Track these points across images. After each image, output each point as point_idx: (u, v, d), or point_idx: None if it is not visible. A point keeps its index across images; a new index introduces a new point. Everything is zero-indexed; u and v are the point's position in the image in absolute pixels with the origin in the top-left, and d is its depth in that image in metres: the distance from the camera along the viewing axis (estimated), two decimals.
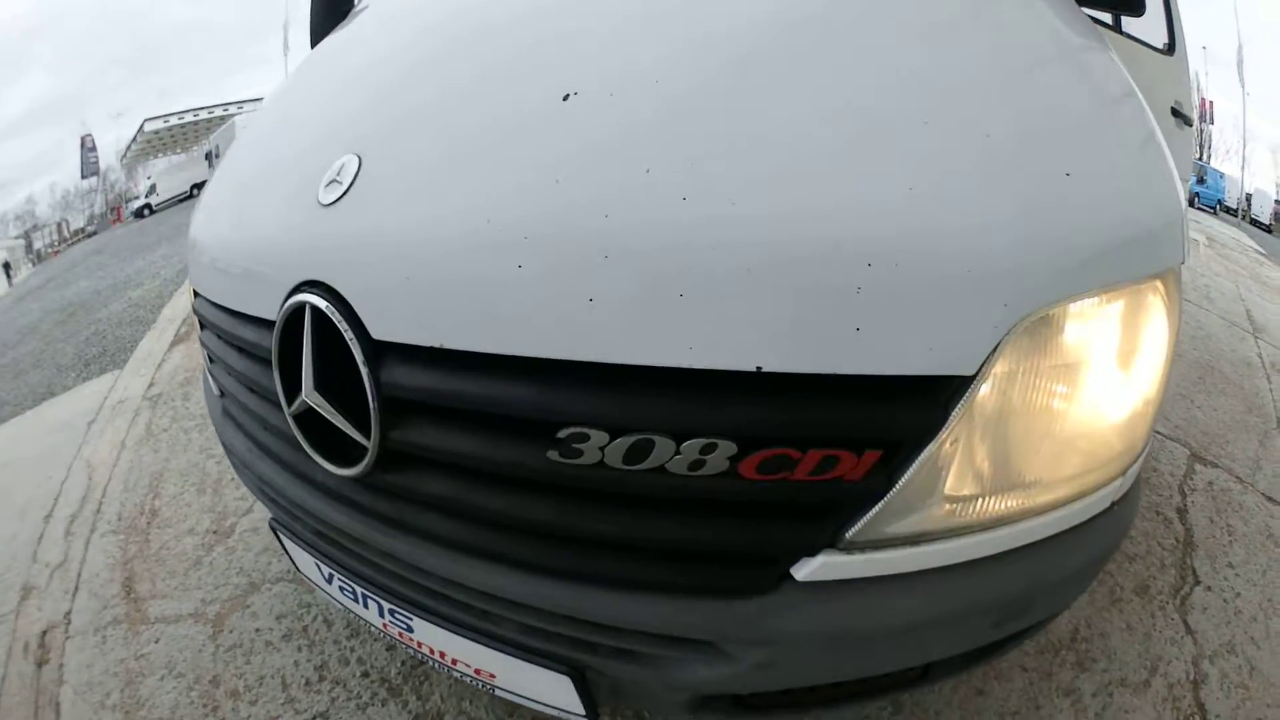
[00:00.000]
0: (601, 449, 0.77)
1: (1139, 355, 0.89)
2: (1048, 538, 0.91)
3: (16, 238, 65.35)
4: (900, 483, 0.80)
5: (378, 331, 0.86)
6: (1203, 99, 17.23)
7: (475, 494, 0.88)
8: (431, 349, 0.83)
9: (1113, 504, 0.98)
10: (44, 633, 2.26)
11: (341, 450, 0.94)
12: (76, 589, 2.42)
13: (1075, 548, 0.95)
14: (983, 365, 0.76)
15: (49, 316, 10.51)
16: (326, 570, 1.15)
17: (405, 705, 1.63)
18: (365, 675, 1.73)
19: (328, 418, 0.91)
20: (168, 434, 3.44)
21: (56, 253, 54.78)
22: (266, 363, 0.98)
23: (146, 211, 38.42)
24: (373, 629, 1.16)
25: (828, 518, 0.83)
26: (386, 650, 1.77)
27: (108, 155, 59.80)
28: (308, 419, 0.95)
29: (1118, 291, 0.83)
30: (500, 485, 0.87)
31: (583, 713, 1.00)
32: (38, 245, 64.18)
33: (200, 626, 2.02)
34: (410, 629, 1.07)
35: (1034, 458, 0.86)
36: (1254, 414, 3.30)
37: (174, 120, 53.00)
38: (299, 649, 1.84)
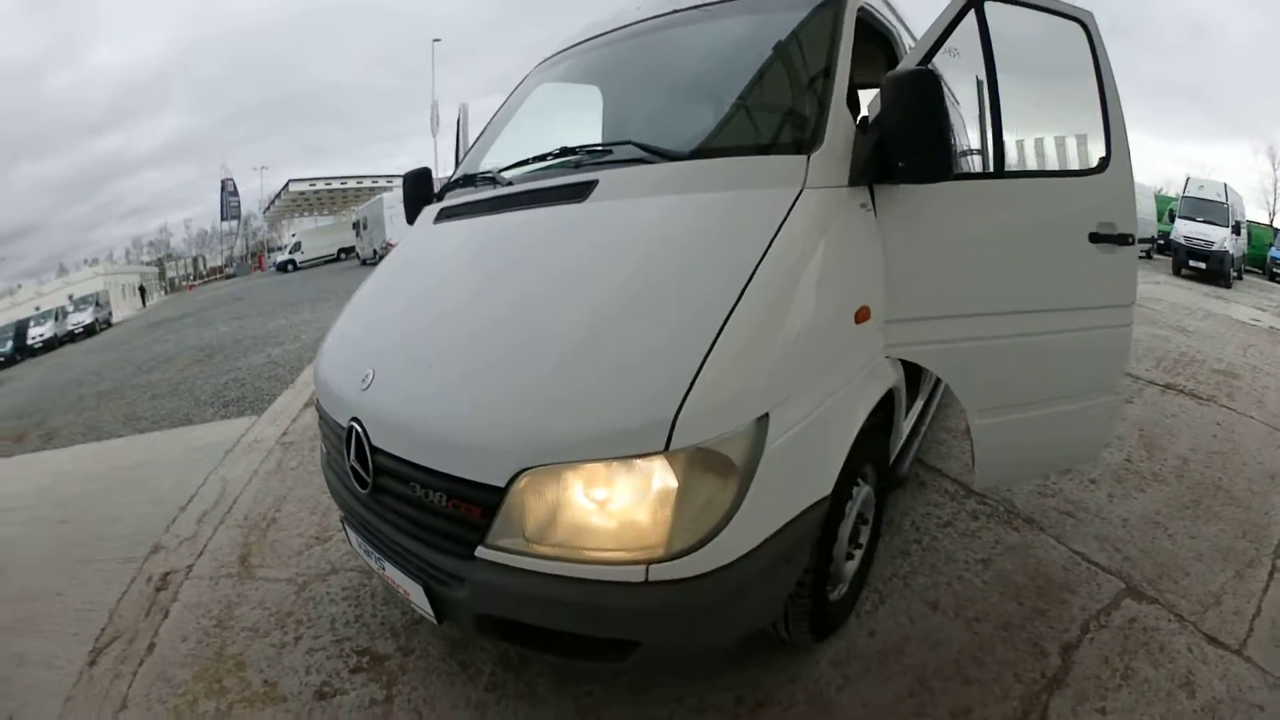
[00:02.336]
0: (421, 492, 1.90)
1: (619, 489, 1.70)
2: (591, 580, 1.73)
3: (149, 264, 71.05)
4: (495, 521, 1.76)
5: (375, 442, 2.02)
6: None
7: (399, 505, 2.01)
8: (389, 452, 1.99)
9: (647, 580, 1.70)
10: (166, 574, 3.50)
11: (362, 482, 2.11)
12: (201, 554, 3.66)
13: (615, 593, 1.72)
14: (510, 481, 1.71)
15: (186, 352, 12.30)
16: (357, 539, 2.33)
17: (392, 630, 2.78)
18: (381, 621, 2.87)
19: (358, 469, 2.10)
20: (294, 472, 4.68)
21: (191, 286, 59.37)
22: (339, 442, 2.24)
23: (290, 267, 43.18)
24: (372, 569, 2.31)
25: (476, 530, 1.79)
26: (400, 613, 2.88)
27: (248, 202, 65.25)
28: (353, 469, 2.14)
29: (600, 462, 1.69)
30: (404, 502, 1.99)
31: (431, 613, 2.03)
32: (171, 275, 69.56)
33: (290, 587, 3.22)
34: (384, 568, 2.17)
35: (556, 530, 1.74)
36: (1247, 539, 3.30)
37: (319, 185, 57.69)
38: (350, 606, 3.00)
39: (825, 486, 2.04)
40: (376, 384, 2.10)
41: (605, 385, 1.75)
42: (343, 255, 41.25)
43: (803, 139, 2.24)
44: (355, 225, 36.35)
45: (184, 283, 65.64)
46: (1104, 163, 2.77)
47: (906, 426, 3.10)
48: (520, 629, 1.87)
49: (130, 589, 3.40)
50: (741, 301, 1.79)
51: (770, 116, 2.55)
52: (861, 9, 2.64)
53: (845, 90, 2.31)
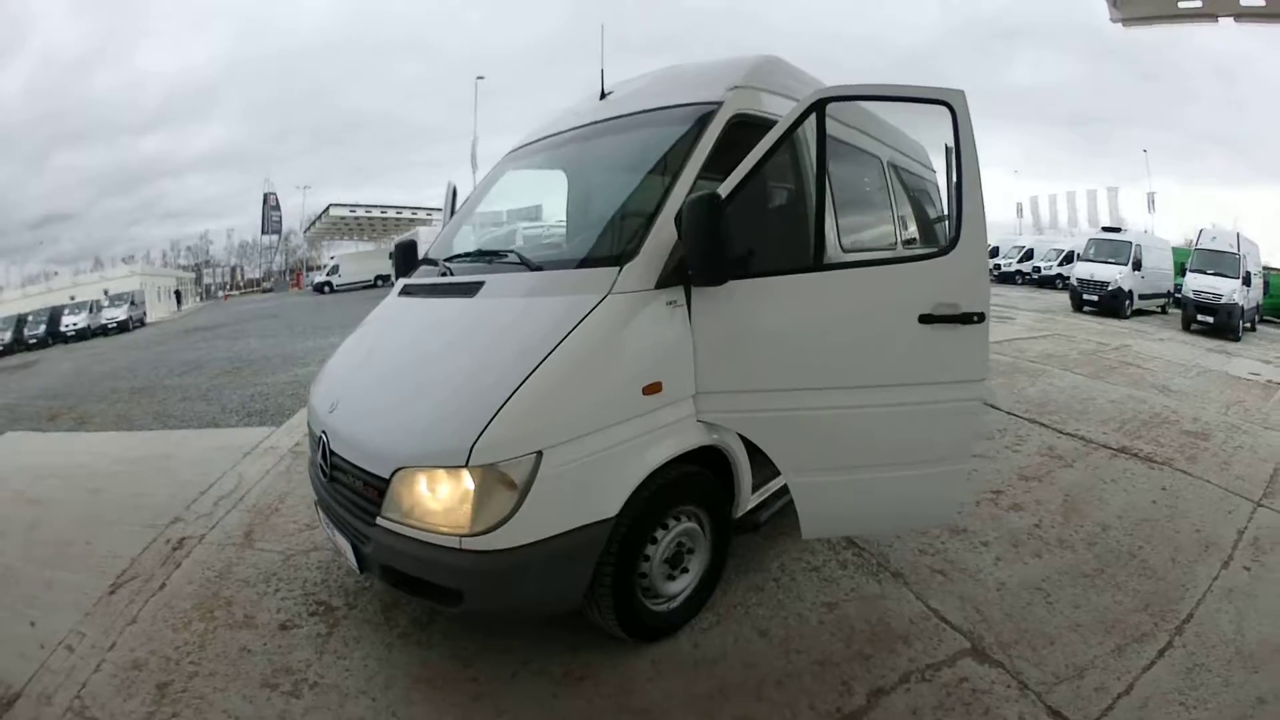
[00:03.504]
0: (352, 480, 2.89)
1: (442, 486, 2.57)
2: (431, 543, 2.57)
3: (187, 269, 72.35)
4: (384, 501, 2.68)
5: (333, 447, 3.00)
6: None
7: (342, 489, 2.96)
8: (339, 454, 2.96)
9: (460, 547, 2.51)
10: (182, 539, 4.34)
11: (325, 474, 3.07)
12: (213, 527, 4.51)
13: (443, 553, 2.55)
14: (390, 475, 2.65)
15: (217, 362, 13.34)
16: (322, 514, 3.23)
17: (345, 592, 3.52)
18: (340, 585, 3.65)
19: (323, 465, 3.08)
20: (300, 475, 5.47)
21: (227, 296, 60.70)
22: (315, 445, 3.24)
23: (326, 289, 44.96)
24: (328, 535, 3.19)
25: (376, 505, 2.71)
26: (355, 581, 3.67)
27: (290, 219, 66.11)
28: (320, 465, 3.10)
29: (436, 470, 2.59)
30: (345, 487, 2.95)
31: (355, 564, 2.91)
32: (208, 281, 70.79)
33: (279, 556, 4.05)
34: (334, 534, 3.06)
35: (414, 509, 2.62)
36: (1148, 612, 3.34)
37: (360, 211, 58.90)
38: (320, 573, 3.80)
39: (607, 511, 2.73)
40: (338, 409, 3.10)
41: (442, 420, 2.67)
42: (379, 282, 42.26)
43: (623, 252, 2.94)
44: (391, 255, 37.21)
45: (220, 291, 67.02)
46: (951, 244, 3.01)
47: (762, 484, 3.49)
48: (403, 578, 2.72)
49: (151, 546, 4.26)
50: (531, 376, 2.60)
51: (614, 230, 3.34)
52: (736, 116, 3.23)
53: (680, 201, 2.91)
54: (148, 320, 37.42)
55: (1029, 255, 33.16)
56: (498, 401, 2.55)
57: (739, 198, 2.87)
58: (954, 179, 3.02)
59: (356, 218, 58.03)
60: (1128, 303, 19.07)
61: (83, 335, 32.39)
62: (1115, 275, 19.08)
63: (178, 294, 53.84)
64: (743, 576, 3.58)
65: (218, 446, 6.55)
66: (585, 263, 3.10)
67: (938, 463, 3.17)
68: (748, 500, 3.39)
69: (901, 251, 4.11)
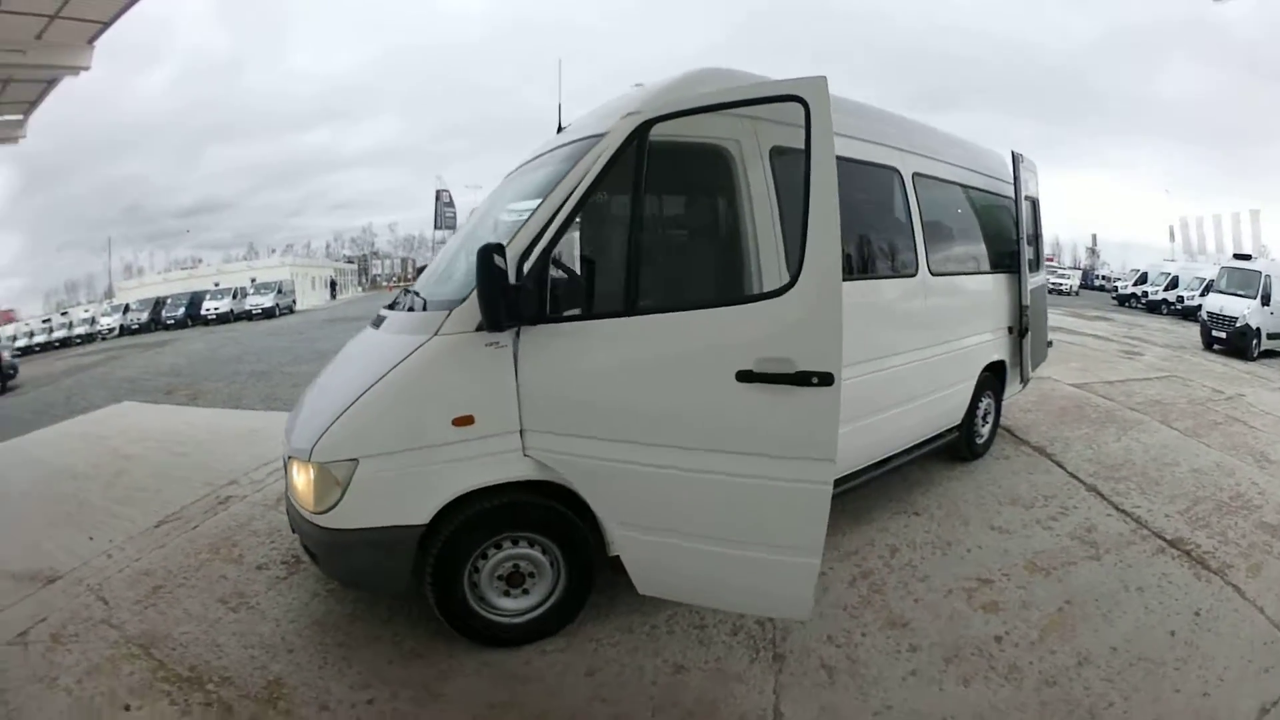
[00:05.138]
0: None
1: (299, 474, 3.20)
2: (300, 514, 3.29)
3: (349, 260, 75.85)
4: (287, 480, 3.50)
5: (288, 452, 3.40)
6: None
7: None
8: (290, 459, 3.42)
9: (312, 521, 3.19)
10: (228, 497, 5.63)
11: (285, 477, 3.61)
12: (257, 491, 5.76)
13: (304, 522, 3.27)
14: (285, 462, 3.53)
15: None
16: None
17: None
18: None
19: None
20: None
21: (390, 287, 62.83)
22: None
23: None
24: None
25: (290, 485, 3.37)
26: None
27: (461, 216, 67.81)
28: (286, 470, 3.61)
29: (296, 460, 3.23)
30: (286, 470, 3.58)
31: (293, 530, 3.69)
32: (375, 272, 73.95)
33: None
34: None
35: (295, 488, 3.27)
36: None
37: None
38: None
39: (415, 519, 3.14)
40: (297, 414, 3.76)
41: (307, 425, 3.30)
42: None
43: (460, 297, 3.18)
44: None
45: (385, 282, 70.30)
46: (789, 283, 2.69)
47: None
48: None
49: (202, 499, 5.58)
50: (358, 399, 3.13)
51: (464, 272, 3.63)
52: (633, 144, 3.03)
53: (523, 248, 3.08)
54: (296, 308, 39.88)
55: (1174, 284, 30.82)
56: (335, 416, 3.15)
57: (546, 238, 3.05)
58: (804, 196, 2.69)
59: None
60: (1255, 342, 16.52)
61: (224, 319, 35.60)
62: (1243, 310, 16.74)
63: (333, 283, 56.50)
64: (626, 614, 3.65)
65: None
66: (428, 305, 3.52)
67: (777, 550, 2.91)
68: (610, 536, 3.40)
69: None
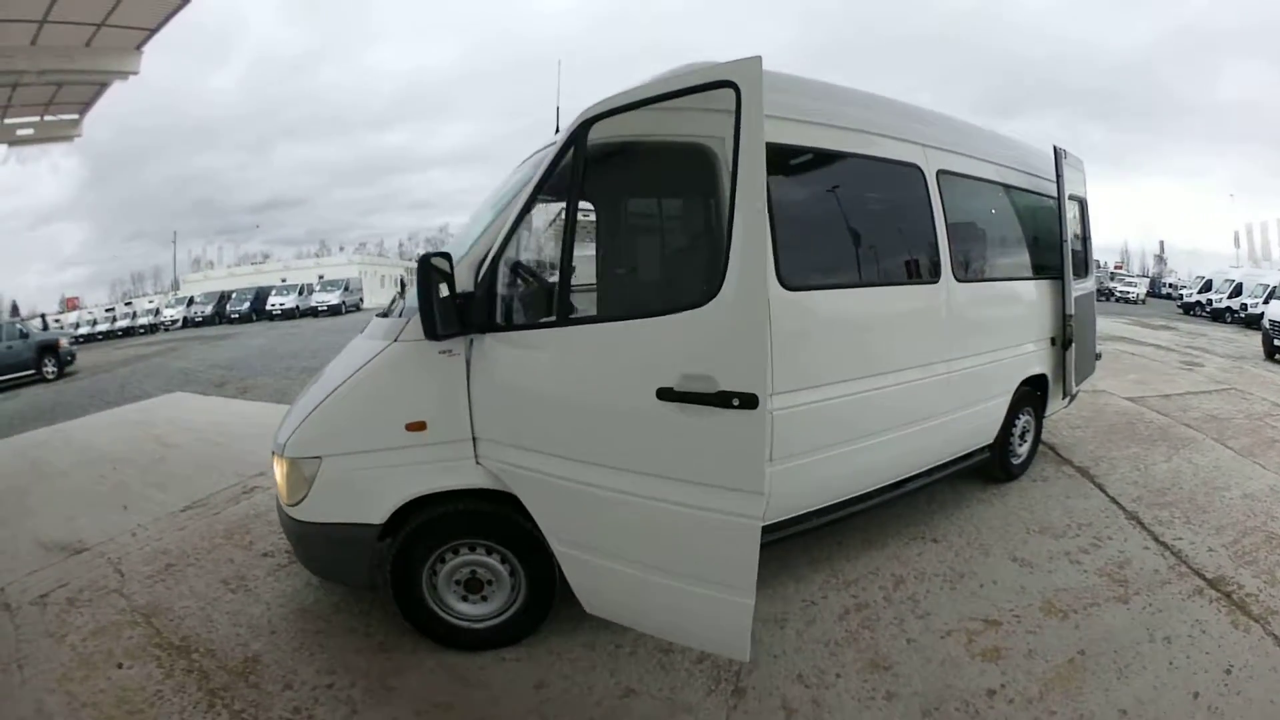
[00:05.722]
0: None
1: (277, 468, 3.48)
2: (280, 504, 3.60)
3: None
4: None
5: (277, 447, 3.51)
6: None
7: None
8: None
9: (286, 512, 3.50)
10: (254, 487, 6.12)
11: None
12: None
13: (282, 513, 3.60)
14: (272, 455, 3.60)
15: None
16: None
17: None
18: None
19: None
20: None
21: None
22: None
23: None
24: None
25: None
26: None
27: None
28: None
29: (274, 454, 3.53)
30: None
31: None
32: None
33: None
34: None
35: (277, 480, 3.52)
36: None
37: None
38: None
39: (371, 518, 3.31)
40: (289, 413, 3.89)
41: (285, 423, 3.57)
42: None
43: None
44: None
45: None
46: (711, 291, 2.49)
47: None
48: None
49: (229, 488, 6.09)
50: (324, 401, 3.33)
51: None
52: (588, 149, 2.85)
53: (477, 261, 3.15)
54: (364, 306, 40.34)
55: (1238, 290, 29.70)
56: (307, 415, 3.40)
57: (496, 245, 3.09)
58: (730, 192, 2.48)
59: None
60: None
61: (289, 315, 36.61)
62: None
63: (402, 282, 56.55)
64: (594, 631, 3.60)
65: None
66: (404, 312, 3.55)
67: (708, 584, 2.73)
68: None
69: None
